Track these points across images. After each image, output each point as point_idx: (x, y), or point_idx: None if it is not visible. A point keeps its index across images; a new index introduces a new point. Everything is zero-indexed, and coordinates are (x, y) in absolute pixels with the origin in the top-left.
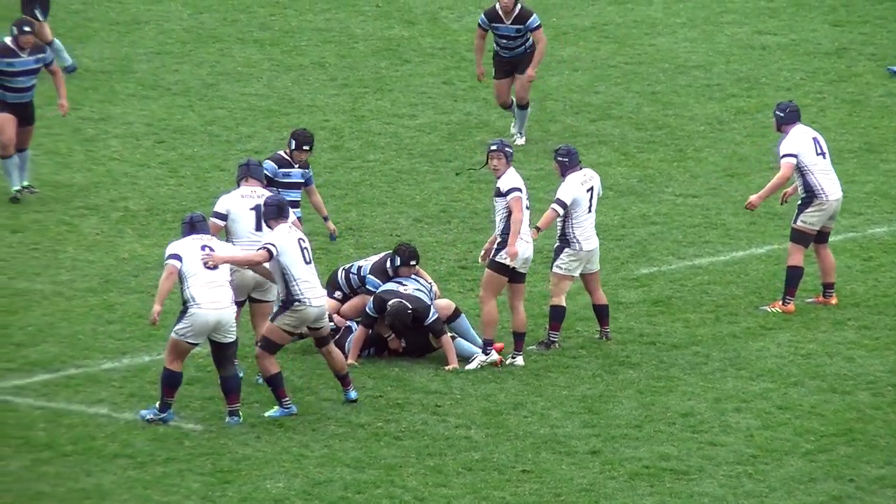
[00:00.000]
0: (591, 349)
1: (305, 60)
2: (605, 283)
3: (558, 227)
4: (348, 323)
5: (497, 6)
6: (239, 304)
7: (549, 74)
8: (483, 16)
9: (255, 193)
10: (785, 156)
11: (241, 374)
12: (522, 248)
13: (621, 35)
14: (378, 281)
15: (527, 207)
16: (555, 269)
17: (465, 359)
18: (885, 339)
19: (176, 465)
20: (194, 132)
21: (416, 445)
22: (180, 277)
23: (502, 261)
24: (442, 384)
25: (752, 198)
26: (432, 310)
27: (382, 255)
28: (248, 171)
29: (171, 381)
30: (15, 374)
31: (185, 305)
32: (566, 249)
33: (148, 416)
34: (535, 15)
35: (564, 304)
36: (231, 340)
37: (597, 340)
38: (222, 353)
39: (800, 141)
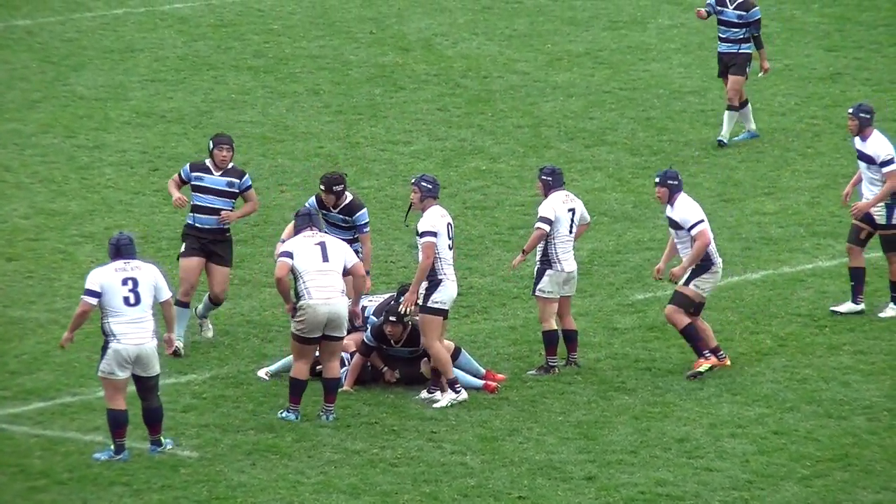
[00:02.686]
0: (587, 375)
1: (300, 87)
2: (600, 308)
3: (539, 250)
4: (343, 355)
5: None
6: (314, 342)
7: (544, 100)
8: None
9: (316, 234)
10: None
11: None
12: (451, 288)
13: (616, 61)
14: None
15: (449, 248)
16: (538, 294)
17: (469, 389)
18: (880, 363)
19: (172, 493)
20: (189, 159)
21: (412, 472)
22: (101, 311)
23: (434, 305)
24: (437, 411)
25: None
26: None
27: (387, 296)
28: (311, 221)
29: (116, 421)
30: (10, 402)
31: (105, 340)
32: (548, 271)
33: (102, 459)
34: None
35: (555, 326)
36: (151, 374)
37: (592, 366)
38: (144, 385)
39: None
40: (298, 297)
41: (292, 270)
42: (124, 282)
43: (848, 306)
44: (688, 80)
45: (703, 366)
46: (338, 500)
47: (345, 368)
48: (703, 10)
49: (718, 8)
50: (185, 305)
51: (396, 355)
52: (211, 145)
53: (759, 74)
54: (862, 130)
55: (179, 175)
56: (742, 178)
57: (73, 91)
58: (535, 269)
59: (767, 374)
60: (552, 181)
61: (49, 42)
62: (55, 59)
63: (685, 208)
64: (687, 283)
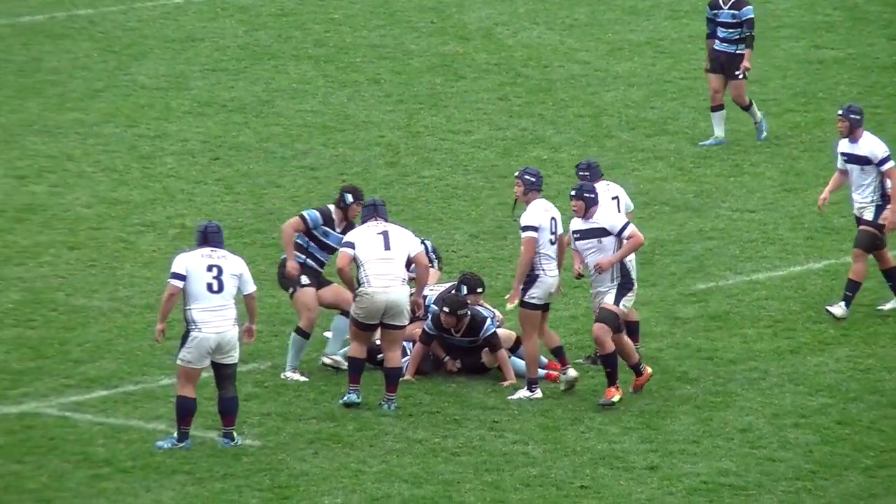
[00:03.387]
0: (649, 364)
1: (360, 77)
2: (663, 298)
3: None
4: (403, 343)
5: None
6: (371, 328)
7: (605, 90)
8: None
9: (380, 224)
10: None
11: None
12: (548, 282)
13: (677, 50)
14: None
15: (551, 242)
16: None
17: (522, 376)
18: None
19: (234, 481)
20: (250, 149)
21: (474, 461)
22: (183, 298)
23: (530, 300)
24: (499, 400)
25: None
26: (489, 322)
27: (448, 285)
28: (376, 212)
29: (183, 409)
30: (73, 391)
31: (186, 328)
32: None
33: (165, 447)
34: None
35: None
36: (230, 362)
37: (654, 356)
38: (222, 373)
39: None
40: (360, 284)
41: (354, 259)
42: (209, 268)
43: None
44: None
45: (615, 396)
46: (399, 489)
47: (406, 358)
48: (706, 63)
49: (714, 11)
50: (306, 336)
51: (457, 345)
52: (350, 199)
53: (737, 73)
54: (853, 131)
55: (303, 221)
56: (804, 167)
57: (134, 80)
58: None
59: (830, 363)
60: (590, 175)
61: (111, 31)
62: (117, 49)
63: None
64: (616, 302)
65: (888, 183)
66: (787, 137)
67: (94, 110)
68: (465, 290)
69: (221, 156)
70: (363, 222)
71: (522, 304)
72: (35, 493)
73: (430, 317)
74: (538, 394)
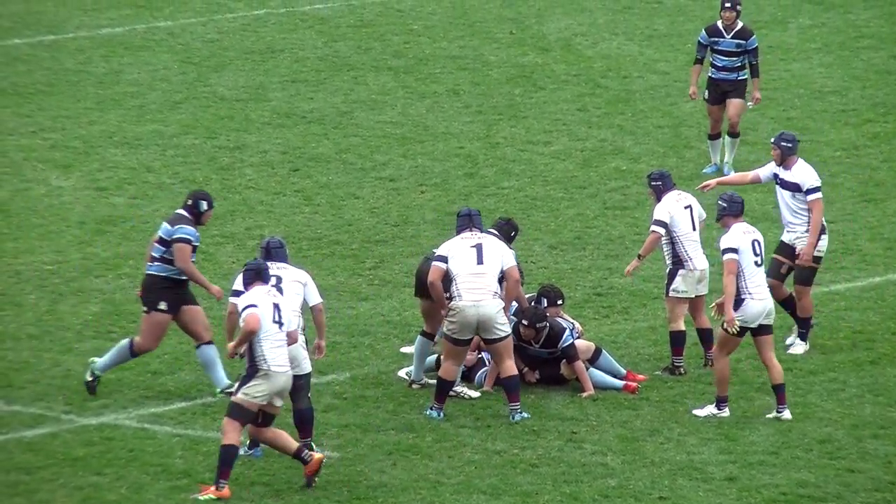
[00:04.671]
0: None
1: (440, 88)
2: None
3: (667, 252)
4: (481, 355)
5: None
6: (464, 343)
7: (684, 101)
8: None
9: (475, 236)
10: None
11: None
12: (753, 306)
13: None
14: None
15: (756, 265)
16: (671, 294)
17: (600, 388)
18: None
19: (312, 493)
20: (329, 160)
21: (553, 472)
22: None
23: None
24: (578, 411)
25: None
26: (567, 333)
27: (528, 297)
28: (471, 222)
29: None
30: (153, 402)
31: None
32: (680, 271)
33: (240, 452)
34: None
35: (683, 327)
36: (299, 373)
37: (733, 366)
38: (294, 384)
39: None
40: (451, 298)
41: (447, 273)
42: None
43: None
44: (829, 80)
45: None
46: (478, 501)
47: (485, 369)
48: (693, 89)
49: (712, 39)
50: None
51: (536, 356)
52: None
53: (749, 104)
54: (785, 160)
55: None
56: (884, 177)
57: (213, 92)
58: (667, 270)
59: None
60: (662, 185)
61: (190, 43)
62: (196, 60)
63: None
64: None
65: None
66: (866, 148)
67: (174, 122)
68: (545, 302)
69: (300, 167)
70: (458, 233)
71: (723, 326)
72: None
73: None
74: (725, 412)
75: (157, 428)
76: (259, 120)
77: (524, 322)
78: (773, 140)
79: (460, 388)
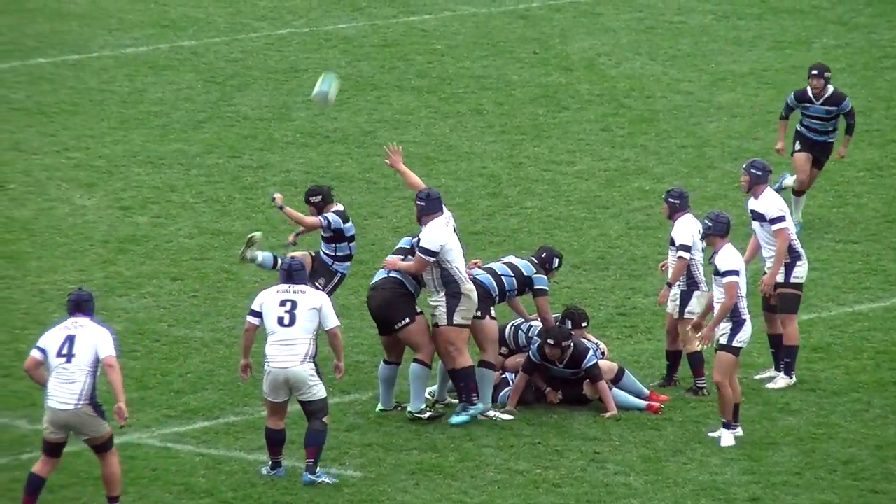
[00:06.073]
0: (751, 395)
1: (463, 107)
2: (763, 329)
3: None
4: (505, 375)
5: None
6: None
7: (708, 121)
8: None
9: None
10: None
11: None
12: (750, 327)
13: (780, 81)
14: None
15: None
16: (687, 316)
17: (623, 408)
18: None
19: None
20: (352, 179)
21: (576, 492)
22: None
23: (738, 345)
24: (601, 431)
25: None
26: (591, 353)
27: (553, 317)
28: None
29: (270, 439)
30: (175, 421)
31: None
32: (696, 293)
33: (262, 472)
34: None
35: (700, 348)
36: (308, 399)
37: (756, 386)
38: (305, 409)
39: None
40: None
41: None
42: (283, 303)
43: (771, 373)
44: (852, 101)
45: None
46: None
47: (508, 388)
48: (780, 144)
49: (802, 105)
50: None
51: (559, 376)
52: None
53: (823, 161)
54: (753, 187)
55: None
56: None
57: (237, 111)
58: (680, 292)
59: None
60: (679, 204)
61: (214, 62)
62: (220, 80)
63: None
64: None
65: (795, 243)
66: (890, 168)
67: (197, 141)
68: (569, 324)
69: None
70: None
71: (727, 348)
72: None
73: (533, 347)
74: (738, 431)
75: (180, 447)
76: (282, 139)
77: (550, 342)
78: (743, 166)
79: (493, 413)
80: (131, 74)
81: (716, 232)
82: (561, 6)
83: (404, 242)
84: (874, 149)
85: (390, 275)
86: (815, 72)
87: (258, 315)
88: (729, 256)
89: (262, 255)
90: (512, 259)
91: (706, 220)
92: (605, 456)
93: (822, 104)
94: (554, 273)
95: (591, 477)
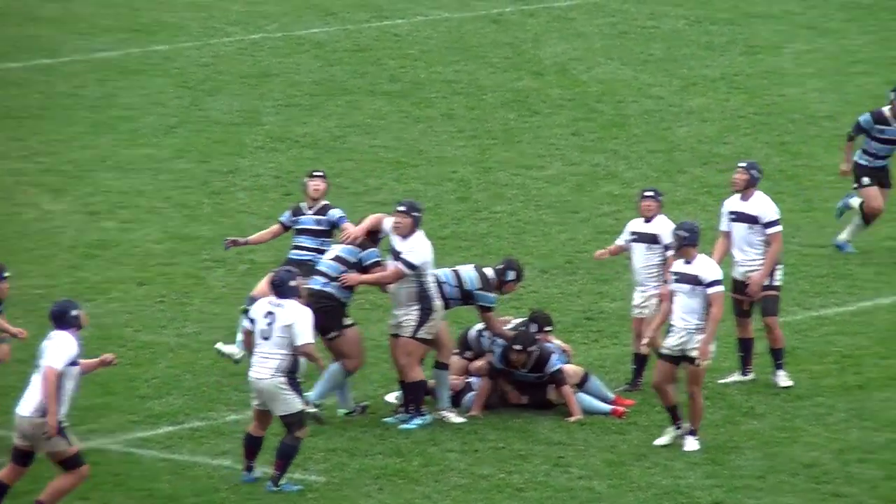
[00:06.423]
0: (715, 399)
1: (434, 112)
2: (730, 333)
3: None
4: (469, 380)
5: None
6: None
7: (678, 125)
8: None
9: None
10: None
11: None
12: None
13: (751, 86)
14: None
15: None
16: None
17: (588, 412)
18: None
19: None
20: None
21: (539, 497)
22: None
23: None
24: (565, 435)
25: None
26: (555, 357)
27: (517, 321)
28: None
29: (244, 444)
30: (140, 427)
31: None
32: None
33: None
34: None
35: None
36: (281, 413)
37: (721, 390)
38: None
39: None
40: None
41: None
42: (266, 314)
43: (736, 377)
44: (823, 105)
45: None
46: None
47: (472, 393)
48: (845, 166)
49: (877, 126)
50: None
51: (523, 380)
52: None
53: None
54: (748, 188)
55: None
56: None
57: (208, 116)
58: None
59: None
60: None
61: (186, 67)
62: (191, 85)
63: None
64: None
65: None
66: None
67: (167, 146)
68: (535, 327)
69: (294, 191)
70: None
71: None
72: None
73: (496, 352)
74: (670, 434)
75: (144, 452)
76: (252, 144)
77: (516, 347)
78: (743, 165)
79: (446, 413)
80: (102, 79)
81: (692, 242)
82: (534, 11)
83: (346, 252)
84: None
85: (324, 288)
86: None
87: (253, 321)
88: (711, 266)
89: None
90: (463, 268)
91: (681, 231)
92: (569, 460)
93: None
94: (512, 285)
95: (554, 481)
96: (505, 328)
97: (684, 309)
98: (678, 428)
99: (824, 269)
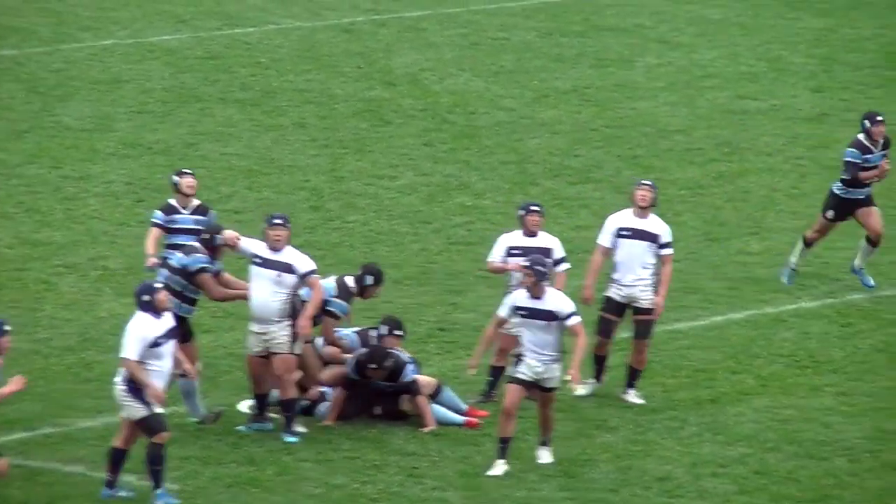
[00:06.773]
0: (569, 412)
1: (286, 121)
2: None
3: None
4: (322, 390)
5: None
6: None
7: (530, 137)
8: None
9: None
10: None
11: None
12: None
13: (602, 98)
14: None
15: None
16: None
17: (441, 423)
18: (862, 405)
19: None
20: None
21: None
22: None
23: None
24: (419, 446)
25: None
26: (410, 368)
27: (367, 326)
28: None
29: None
30: None
31: None
32: None
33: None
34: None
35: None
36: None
37: (574, 403)
38: None
39: None
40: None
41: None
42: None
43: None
44: (674, 119)
45: None
46: None
47: (326, 403)
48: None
49: (865, 157)
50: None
51: (376, 389)
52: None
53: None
54: (650, 207)
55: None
56: (727, 217)
57: (59, 122)
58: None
59: (749, 413)
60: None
61: (36, 72)
62: (42, 90)
63: None
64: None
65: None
66: (710, 187)
67: (18, 151)
68: (385, 329)
69: (145, 198)
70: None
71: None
72: None
73: (350, 363)
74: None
75: None
76: (104, 150)
77: (372, 365)
78: (648, 183)
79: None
80: None
81: (545, 278)
82: (385, 21)
83: (175, 260)
84: (695, 167)
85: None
86: (880, 118)
87: None
88: (563, 299)
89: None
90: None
91: (536, 267)
92: (423, 471)
93: (881, 150)
94: (372, 290)
95: (408, 492)
96: (351, 332)
97: (538, 343)
98: (507, 463)
99: (677, 283)
